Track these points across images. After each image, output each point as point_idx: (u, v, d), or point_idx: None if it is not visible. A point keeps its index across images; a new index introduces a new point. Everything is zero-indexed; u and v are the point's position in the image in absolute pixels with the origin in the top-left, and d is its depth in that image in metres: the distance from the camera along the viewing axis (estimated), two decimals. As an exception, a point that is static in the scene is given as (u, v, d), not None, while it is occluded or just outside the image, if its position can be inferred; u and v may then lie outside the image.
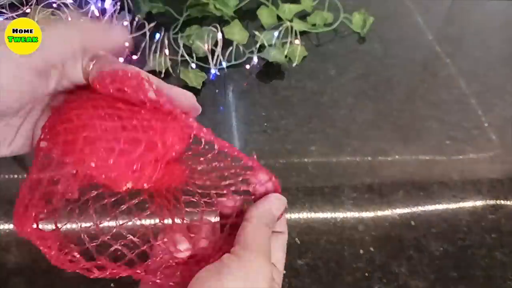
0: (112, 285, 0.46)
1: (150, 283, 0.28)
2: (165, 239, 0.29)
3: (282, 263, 0.31)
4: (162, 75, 0.65)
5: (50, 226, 0.26)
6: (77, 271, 0.25)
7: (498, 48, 0.80)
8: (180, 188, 0.30)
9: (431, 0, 0.88)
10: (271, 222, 0.30)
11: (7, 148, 0.26)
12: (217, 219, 0.32)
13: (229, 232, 0.31)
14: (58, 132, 0.24)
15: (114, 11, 0.69)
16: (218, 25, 0.67)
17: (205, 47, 0.66)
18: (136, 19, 0.69)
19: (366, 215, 0.54)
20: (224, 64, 0.67)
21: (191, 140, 0.27)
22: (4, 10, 0.71)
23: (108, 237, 0.27)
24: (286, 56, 0.69)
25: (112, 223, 0.28)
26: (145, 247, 0.28)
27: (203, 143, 0.27)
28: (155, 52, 0.66)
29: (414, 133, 0.64)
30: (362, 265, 0.49)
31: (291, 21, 0.74)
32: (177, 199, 0.30)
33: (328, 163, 0.59)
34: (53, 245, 0.25)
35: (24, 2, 0.71)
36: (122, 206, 0.28)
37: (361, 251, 0.51)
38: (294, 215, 0.53)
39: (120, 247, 0.28)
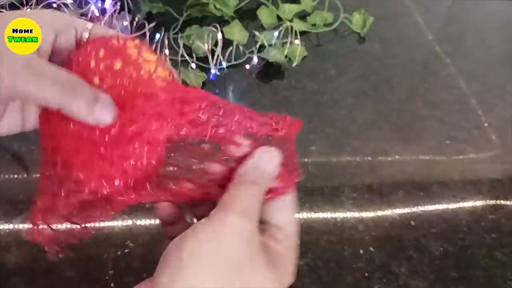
0: (112, 285, 0.46)
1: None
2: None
3: (291, 223, 0.28)
4: (162, 75, 0.65)
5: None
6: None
7: (498, 48, 0.80)
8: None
9: (431, 0, 0.88)
10: (261, 178, 0.27)
11: None
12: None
13: None
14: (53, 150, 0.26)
15: (114, 11, 0.69)
16: (218, 25, 0.67)
17: (205, 47, 0.66)
18: (136, 19, 0.69)
19: (366, 215, 0.54)
20: (224, 64, 0.67)
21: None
22: (4, 10, 0.71)
23: None
24: (286, 56, 0.69)
25: None
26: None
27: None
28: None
29: (414, 133, 0.64)
30: (362, 265, 0.49)
31: (291, 21, 0.74)
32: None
33: (328, 163, 0.59)
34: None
35: (24, 2, 0.71)
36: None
37: (361, 251, 0.50)
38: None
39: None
